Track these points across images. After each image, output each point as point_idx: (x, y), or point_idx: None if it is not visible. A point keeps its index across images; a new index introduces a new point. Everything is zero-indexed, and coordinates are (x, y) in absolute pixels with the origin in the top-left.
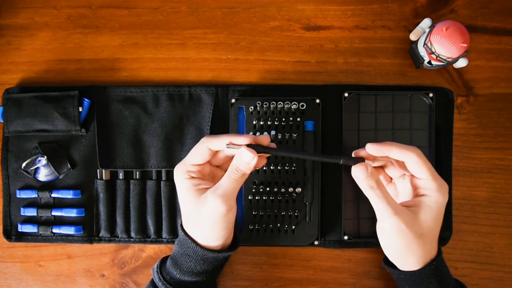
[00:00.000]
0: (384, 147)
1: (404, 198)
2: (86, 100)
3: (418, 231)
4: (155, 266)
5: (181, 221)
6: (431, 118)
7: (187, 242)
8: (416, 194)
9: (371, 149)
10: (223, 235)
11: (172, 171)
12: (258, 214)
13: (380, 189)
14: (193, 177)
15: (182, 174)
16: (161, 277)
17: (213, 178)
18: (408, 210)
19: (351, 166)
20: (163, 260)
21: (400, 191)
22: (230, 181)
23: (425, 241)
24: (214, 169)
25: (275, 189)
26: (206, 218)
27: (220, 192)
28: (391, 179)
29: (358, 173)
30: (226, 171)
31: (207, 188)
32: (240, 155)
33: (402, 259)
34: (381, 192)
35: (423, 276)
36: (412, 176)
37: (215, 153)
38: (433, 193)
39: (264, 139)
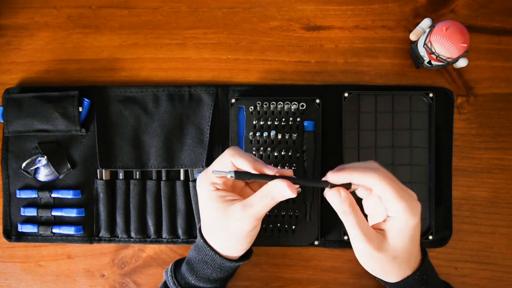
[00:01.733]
0: (345, 175)
1: (377, 217)
2: (86, 100)
3: (391, 255)
4: (169, 269)
5: (200, 226)
6: (431, 118)
7: (205, 249)
8: (387, 216)
9: (332, 177)
10: (244, 248)
11: (172, 171)
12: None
13: (353, 214)
14: (218, 189)
15: (206, 185)
16: (175, 281)
17: (238, 190)
18: (380, 234)
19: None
20: (177, 264)
21: (372, 211)
22: (263, 205)
23: (401, 261)
24: (239, 181)
25: None
26: (231, 231)
27: (252, 213)
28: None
29: (331, 197)
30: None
31: (233, 200)
32: (279, 189)
33: (381, 276)
34: (354, 218)
35: (407, 285)
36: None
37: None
38: (401, 215)
39: (289, 173)
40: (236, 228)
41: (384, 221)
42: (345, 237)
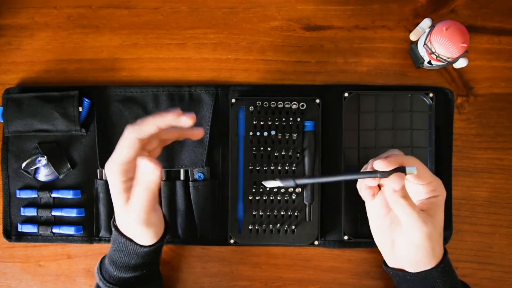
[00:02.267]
0: (393, 159)
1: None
2: (86, 100)
3: (439, 231)
4: (96, 266)
5: (114, 217)
6: (431, 118)
7: (118, 238)
8: (426, 196)
9: (381, 165)
10: (151, 236)
11: (172, 171)
12: (258, 214)
13: (410, 199)
14: (126, 180)
15: (115, 175)
16: (101, 277)
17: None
18: (427, 214)
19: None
20: (102, 260)
21: (380, 210)
22: (144, 199)
23: (440, 238)
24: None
25: (275, 189)
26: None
27: (137, 207)
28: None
29: (395, 184)
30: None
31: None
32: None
33: (420, 263)
34: (411, 203)
35: (430, 276)
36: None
37: (146, 142)
38: (441, 190)
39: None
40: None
41: (426, 200)
42: (345, 237)
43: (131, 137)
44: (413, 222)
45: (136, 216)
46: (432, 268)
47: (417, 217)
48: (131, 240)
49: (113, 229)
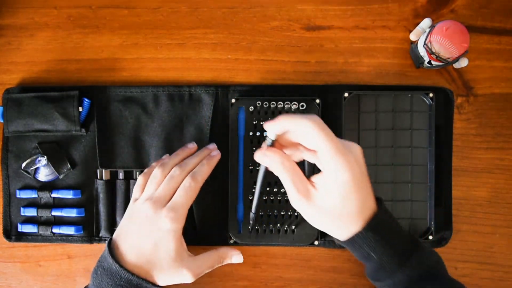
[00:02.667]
0: (278, 122)
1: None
2: (86, 100)
3: (323, 209)
4: None
5: (118, 245)
6: (431, 118)
7: (126, 276)
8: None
9: (266, 127)
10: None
11: None
12: (258, 214)
13: (288, 171)
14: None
15: (180, 222)
16: None
17: None
18: (313, 190)
19: None
20: None
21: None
22: (210, 264)
23: (337, 217)
24: None
25: (275, 189)
26: (172, 279)
27: (198, 272)
28: None
29: (267, 156)
30: None
31: (185, 249)
32: (234, 256)
33: (330, 232)
34: (290, 174)
35: (356, 244)
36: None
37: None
38: (329, 170)
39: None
40: (179, 280)
41: (318, 175)
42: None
43: (198, 187)
44: (288, 192)
45: (199, 274)
46: (358, 232)
47: (290, 190)
48: (142, 281)
49: (115, 264)
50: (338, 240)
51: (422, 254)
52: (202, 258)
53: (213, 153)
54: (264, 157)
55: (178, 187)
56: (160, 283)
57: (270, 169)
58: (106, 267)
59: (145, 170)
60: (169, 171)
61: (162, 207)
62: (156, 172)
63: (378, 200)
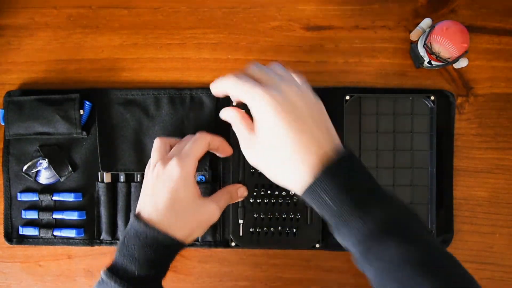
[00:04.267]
0: (214, 84)
1: None
2: (87, 103)
3: (265, 156)
4: (105, 274)
5: (139, 211)
6: (433, 121)
7: (150, 232)
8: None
9: (212, 86)
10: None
11: None
12: (259, 217)
13: (235, 118)
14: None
15: (191, 167)
16: (117, 279)
17: None
18: (254, 135)
19: None
20: (111, 267)
21: None
22: (224, 201)
23: (278, 162)
24: None
25: (276, 192)
26: (201, 220)
27: (221, 206)
28: None
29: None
30: None
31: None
32: (241, 191)
33: (285, 184)
34: (237, 120)
35: (312, 196)
36: None
37: None
38: (254, 113)
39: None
40: (204, 218)
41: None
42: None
43: (205, 141)
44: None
45: (221, 207)
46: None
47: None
48: (169, 236)
49: (141, 224)
50: (296, 195)
51: (387, 206)
52: (217, 195)
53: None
54: (222, 112)
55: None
56: (187, 236)
57: (229, 121)
58: (132, 231)
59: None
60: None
61: (171, 159)
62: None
63: (345, 147)
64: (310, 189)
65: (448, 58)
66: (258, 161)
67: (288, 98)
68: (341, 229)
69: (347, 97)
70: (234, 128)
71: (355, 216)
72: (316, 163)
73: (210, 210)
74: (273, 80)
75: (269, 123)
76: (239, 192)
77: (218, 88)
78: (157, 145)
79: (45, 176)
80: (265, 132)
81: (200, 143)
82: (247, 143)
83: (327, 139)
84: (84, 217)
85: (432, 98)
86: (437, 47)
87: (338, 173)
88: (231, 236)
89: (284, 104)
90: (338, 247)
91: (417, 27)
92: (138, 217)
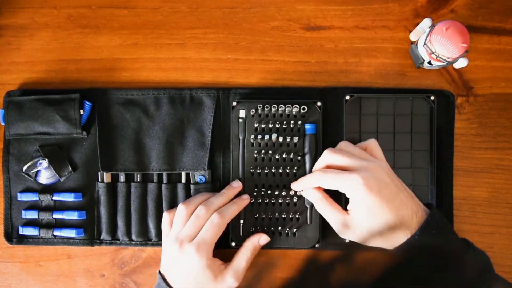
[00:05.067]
0: (299, 184)
1: None
2: (87, 103)
3: (358, 231)
4: None
5: (165, 274)
6: (433, 121)
7: None
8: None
9: (295, 187)
10: None
11: (174, 174)
12: (260, 216)
13: (322, 203)
14: (213, 256)
15: (208, 256)
16: None
17: None
18: (349, 217)
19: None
20: None
21: None
22: (246, 263)
23: (376, 235)
24: None
25: (276, 192)
26: None
27: (239, 275)
28: None
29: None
30: None
31: (221, 264)
32: (260, 239)
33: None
34: (327, 210)
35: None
36: None
37: None
38: (352, 198)
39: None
40: None
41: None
42: (346, 240)
43: (224, 223)
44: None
45: (241, 274)
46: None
47: (330, 219)
48: None
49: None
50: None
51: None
52: (237, 261)
53: (244, 196)
54: (306, 194)
55: (203, 225)
56: None
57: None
58: None
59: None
60: (194, 208)
61: (188, 243)
62: (180, 209)
63: (428, 205)
64: (403, 248)
65: (448, 58)
66: (357, 235)
67: (375, 177)
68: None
69: (347, 97)
70: (320, 210)
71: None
72: (412, 223)
73: (228, 285)
74: (357, 164)
75: (366, 201)
76: (261, 241)
77: (304, 186)
78: (166, 219)
79: (45, 176)
80: (362, 209)
81: (219, 228)
82: (342, 224)
83: (415, 202)
84: (84, 217)
85: (432, 98)
86: (437, 47)
87: (430, 228)
88: (231, 236)
89: (374, 183)
90: (337, 247)
91: (417, 27)
92: (165, 279)
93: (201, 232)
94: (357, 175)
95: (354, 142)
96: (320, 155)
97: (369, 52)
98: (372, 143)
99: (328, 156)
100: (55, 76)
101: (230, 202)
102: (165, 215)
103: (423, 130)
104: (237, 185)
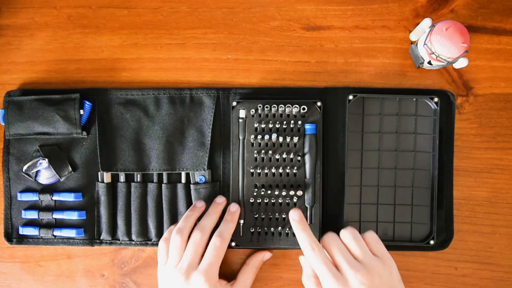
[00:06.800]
0: (297, 223)
1: None
2: (87, 103)
3: None
4: None
5: None
6: (436, 122)
7: None
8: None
9: (293, 215)
10: None
11: (174, 174)
12: (260, 217)
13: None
14: (218, 279)
15: (215, 281)
16: None
17: None
18: None
19: None
20: None
21: None
22: (251, 279)
23: None
24: None
25: (276, 192)
26: None
27: None
28: None
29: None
30: None
31: (226, 284)
32: (264, 256)
33: None
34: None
35: None
36: None
37: None
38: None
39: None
40: None
41: None
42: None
43: (226, 244)
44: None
45: None
46: None
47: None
48: None
49: None
50: None
51: None
52: (241, 279)
53: (233, 208)
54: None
55: (203, 250)
56: None
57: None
58: None
59: (164, 235)
60: (188, 235)
61: (194, 271)
62: (175, 238)
63: None
64: None
65: (448, 58)
66: None
67: (376, 278)
68: None
69: (350, 97)
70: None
71: None
72: None
73: None
74: (353, 269)
75: None
76: (265, 258)
77: (298, 234)
78: (162, 248)
79: (45, 176)
80: None
81: (222, 250)
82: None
83: None
84: (84, 217)
85: (436, 99)
86: (437, 47)
87: None
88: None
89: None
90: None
91: (417, 27)
92: None
93: (205, 258)
94: (359, 278)
95: (357, 141)
96: (320, 155)
97: (369, 52)
98: (373, 238)
99: (332, 242)
100: (55, 76)
101: (224, 220)
102: (161, 244)
103: (425, 132)
104: (221, 201)
